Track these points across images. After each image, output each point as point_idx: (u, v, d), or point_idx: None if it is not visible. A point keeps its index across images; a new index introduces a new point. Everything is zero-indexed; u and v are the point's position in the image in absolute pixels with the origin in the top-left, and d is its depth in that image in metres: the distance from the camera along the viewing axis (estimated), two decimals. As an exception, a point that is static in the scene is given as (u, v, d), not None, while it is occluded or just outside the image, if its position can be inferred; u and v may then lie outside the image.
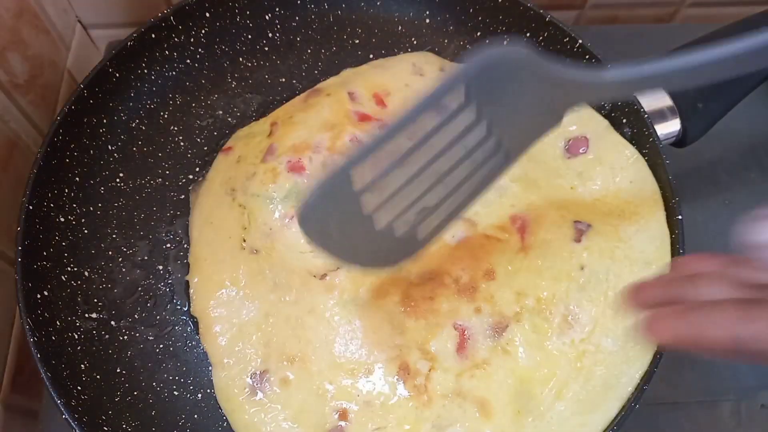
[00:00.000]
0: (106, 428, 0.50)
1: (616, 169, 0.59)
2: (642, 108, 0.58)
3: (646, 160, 0.58)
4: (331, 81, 0.64)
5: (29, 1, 0.66)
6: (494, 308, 0.51)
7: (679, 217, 0.54)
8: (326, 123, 0.57)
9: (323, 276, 0.53)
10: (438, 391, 0.50)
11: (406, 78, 0.61)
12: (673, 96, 0.60)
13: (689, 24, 0.89)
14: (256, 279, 0.54)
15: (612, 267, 0.53)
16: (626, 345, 0.51)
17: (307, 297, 0.52)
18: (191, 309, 0.55)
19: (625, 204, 0.57)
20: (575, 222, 0.54)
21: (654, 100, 0.60)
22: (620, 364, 0.51)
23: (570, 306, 0.52)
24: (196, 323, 0.55)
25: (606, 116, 0.61)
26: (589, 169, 0.59)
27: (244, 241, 0.55)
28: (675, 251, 0.54)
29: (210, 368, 0.54)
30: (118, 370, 0.53)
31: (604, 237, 0.54)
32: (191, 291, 0.56)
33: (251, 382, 0.52)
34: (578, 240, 0.54)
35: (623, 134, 0.60)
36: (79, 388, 0.51)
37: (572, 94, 0.42)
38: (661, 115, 0.60)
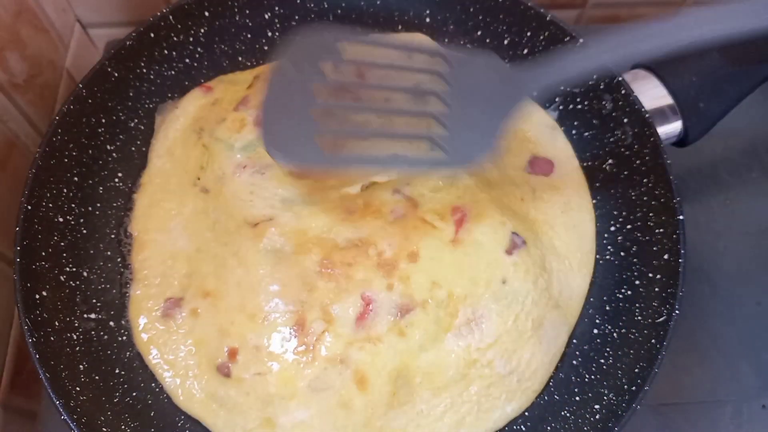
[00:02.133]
0: (105, 429, 0.50)
1: (569, 208, 0.60)
2: (643, 108, 0.58)
3: (647, 160, 0.58)
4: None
5: (28, 1, 0.66)
6: (406, 289, 0.51)
7: (680, 217, 0.54)
8: None
9: (256, 225, 0.54)
10: (324, 353, 0.51)
11: (392, 55, 0.62)
12: (675, 96, 0.60)
13: (690, 23, 0.89)
14: (199, 216, 0.57)
15: (532, 292, 0.54)
16: (513, 374, 0.53)
17: (236, 240, 0.54)
18: (130, 225, 0.58)
19: (560, 242, 0.59)
20: (513, 233, 0.54)
21: (655, 100, 0.60)
22: (500, 395, 0.53)
23: (479, 312, 0.52)
24: (128, 242, 0.57)
25: (607, 115, 0.61)
26: (544, 192, 0.60)
27: (198, 179, 0.58)
28: (676, 251, 0.54)
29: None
30: (117, 371, 0.53)
31: (533, 261, 0.55)
32: (135, 208, 0.59)
33: (165, 305, 0.54)
34: (510, 252, 0.54)
35: (625, 133, 0.60)
36: (78, 388, 0.51)
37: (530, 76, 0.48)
38: (663, 115, 0.60)
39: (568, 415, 0.54)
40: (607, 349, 0.56)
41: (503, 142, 0.47)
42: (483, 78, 0.49)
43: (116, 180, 0.60)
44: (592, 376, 0.55)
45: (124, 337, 0.55)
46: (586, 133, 0.63)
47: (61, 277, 0.55)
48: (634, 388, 0.51)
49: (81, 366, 0.52)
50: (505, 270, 0.53)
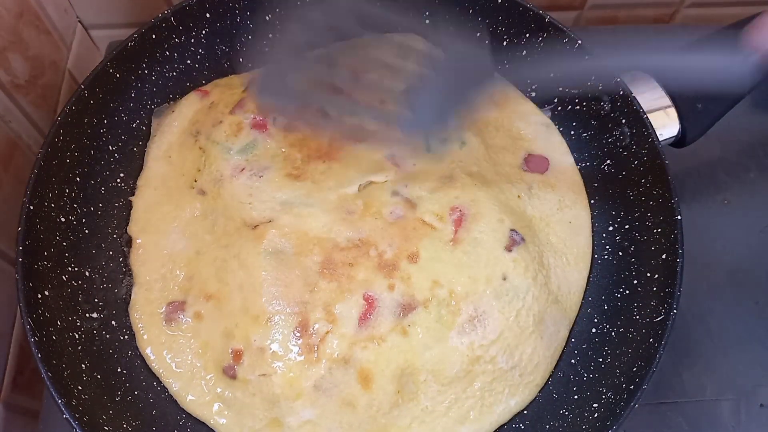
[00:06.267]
0: (106, 428, 0.50)
1: (564, 205, 0.61)
2: (641, 108, 0.58)
3: (645, 161, 0.58)
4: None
5: (30, 2, 0.67)
6: (407, 289, 0.52)
7: (678, 217, 0.54)
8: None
9: (256, 227, 0.54)
10: (328, 354, 0.51)
11: (388, 59, 0.62)
12: (673, 96, 0.60)
13: (688, 24, 0.89)
14: (197, 218, 0.57)
15: (532, 288, 0.54)
16: (516, 369, 0.53)
17: (237, 243, 0.54)
18: (128, 227, 0.58)
19: (557, 238, 0.59)
20: (511, 230, 0.55)
21: (654, 101, 0.60)
22: (504, 390, 0.53)
23: (481, 309, 0.53)
24: (129, 243, 0.58)
25: (605, 116, 0.61)
26: (540, 189, 0.61)
27: (195, 181, 0.58)
28: (674, 251, 0.54)
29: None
30: (119, 370, 0.54)
31: (532, 257, 0.55)
32: (133, 210, 0.59)
33: (167, 309, 0.55)
34: (509, 249, 0.54)
35: (623, 134, 0.60)
36: (79, 387, 0.51)
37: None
38: (661, 116, 0.60)
39: (566, 413, 0.54)
40: (606, 348, 0.56)
41: (456, 122, 0.52)
42: (465, 61, 0.53)
43: (118, 180, 0.61)
44: (591, 375, 0.55)
45: (126, 336, 0.55)
46: (585, 134, 0.64)
47: (63, 277, 0.55)
48: (632, 386, 0.51)
49: (83, 365, 0.52)
50: (505, 267, 0.54)
